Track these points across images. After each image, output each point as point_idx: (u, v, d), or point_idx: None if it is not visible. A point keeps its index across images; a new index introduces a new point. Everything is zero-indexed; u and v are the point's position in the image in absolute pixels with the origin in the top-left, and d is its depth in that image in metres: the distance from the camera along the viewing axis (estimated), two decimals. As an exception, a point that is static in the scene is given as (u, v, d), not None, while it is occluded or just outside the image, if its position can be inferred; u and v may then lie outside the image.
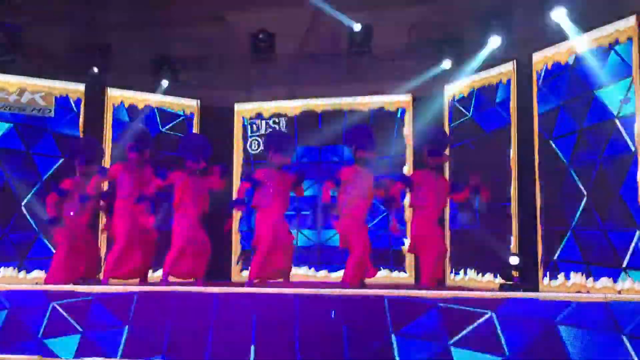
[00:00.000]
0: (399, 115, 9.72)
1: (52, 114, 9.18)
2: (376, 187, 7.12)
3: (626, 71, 6.66)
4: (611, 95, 6.81)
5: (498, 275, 7.81)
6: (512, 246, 7.99)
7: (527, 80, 7.98)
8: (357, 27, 9.01)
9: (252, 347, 5.34)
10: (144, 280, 7.34)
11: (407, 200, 7.97)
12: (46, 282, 7.28)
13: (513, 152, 8.16)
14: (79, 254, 7.33)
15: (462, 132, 8.98)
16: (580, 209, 7.15)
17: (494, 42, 8.26)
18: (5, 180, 8.82)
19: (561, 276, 7.35)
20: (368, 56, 9.15)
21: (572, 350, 4.71)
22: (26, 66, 8.99)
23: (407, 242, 8.63)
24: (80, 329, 5.73)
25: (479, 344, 4.94)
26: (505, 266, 7.08)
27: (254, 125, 10.24)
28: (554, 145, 7.58)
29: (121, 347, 5.59)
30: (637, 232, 6.45)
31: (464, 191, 7.27)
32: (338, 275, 8.25)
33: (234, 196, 8.34)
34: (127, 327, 5.62)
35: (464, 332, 5.02)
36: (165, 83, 9.71)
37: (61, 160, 9.04)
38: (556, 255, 7.48)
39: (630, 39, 6.64)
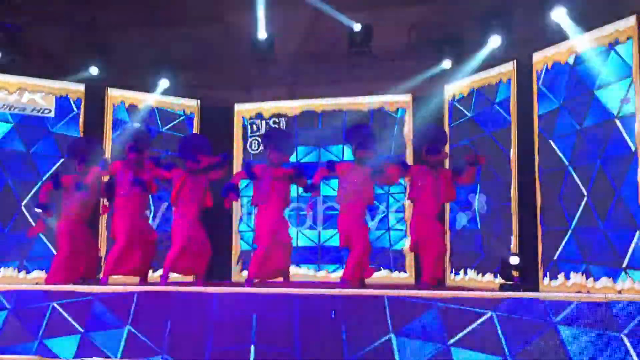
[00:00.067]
0: (398, 115, 9.72)
1: (52, 114, 9.18)
2: (374, 175, 7.09)
3: (626, 71, 6.67)
4: (611, 95, 6.82)
5: (498, 275, 7.80)
6: (512, 246, 7.99)
7: (527, 80, 7.98)
8: (357, 27, 8.99)
9: (252, 347, 5.34)
10: (144, 280, 7.34)
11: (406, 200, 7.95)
12: (47, 282, 7.28)
13: (513, 152, 8.15)
14: (79, 254, 7.34)
15: (462, 132, 8.97)
16: (580, 209, 7.15)
17: (494, 42, 8.25)
18: (6, 180, 8.83)
19: (561, 276, 7.36)
20: (368, 56, 9.13)
21: (572, 350, 4.71)
22: (26, 66, 8.98)
23: (407, 241, 8.63)
24: (80, 329, 5.74)
25: (479, 344, 4.95)
26: (505, 266, 7.07)
27: (254, 125, 10.24)
28: (554, 145, 7.58)
29: (121, 347, 5.60)
30: (637, 232, 6.45)
31: (467, 170, 7.19)
32: (338, 275, 8.24)
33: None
34: (127, 327, 5.63)
35: (464, 332, 5.02)
36: (165, 83, 9.71)
37: (61, 160, 9.04)
38: (556, 255, 7.48)
39: (630, 39, 6.65)
